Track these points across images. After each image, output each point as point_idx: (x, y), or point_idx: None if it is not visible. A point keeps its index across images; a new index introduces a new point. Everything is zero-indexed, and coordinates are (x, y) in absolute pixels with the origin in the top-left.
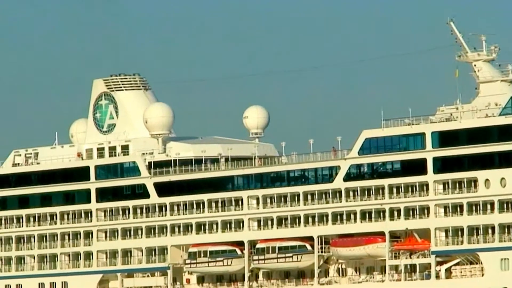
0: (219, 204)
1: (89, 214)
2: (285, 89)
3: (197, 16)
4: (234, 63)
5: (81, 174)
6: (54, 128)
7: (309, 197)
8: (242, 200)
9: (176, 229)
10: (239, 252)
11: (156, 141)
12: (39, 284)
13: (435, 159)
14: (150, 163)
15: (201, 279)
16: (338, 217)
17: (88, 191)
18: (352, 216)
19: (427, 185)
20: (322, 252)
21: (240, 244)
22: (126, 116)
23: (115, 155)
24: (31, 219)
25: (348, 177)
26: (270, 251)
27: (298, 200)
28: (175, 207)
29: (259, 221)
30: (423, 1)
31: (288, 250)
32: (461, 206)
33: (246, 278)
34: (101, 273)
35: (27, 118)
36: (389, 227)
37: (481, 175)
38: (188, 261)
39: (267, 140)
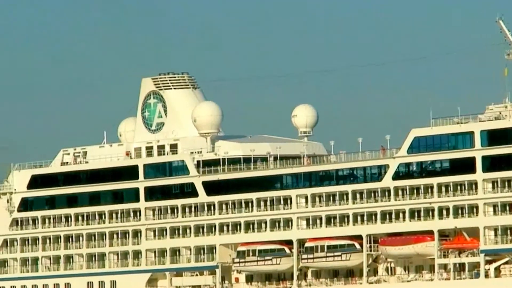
0: (268, 203)
1: (138, 213)
2: (334, 88)
3: (245, 15)
4: (283, 62)
5: (129, 173)
6: (102, 126)
7: (357, 195)
8: (291, 198)
9: (225, 228)
10: (287, 251)
11: (204, 140)
12: (88, 283)
13: (484, 158)
14: (198, 162)
15: (249, 278)
16: (387, 215)
17: (136, 190)
18: (401, 215)
19: (476, 183)
20: (371, 251)
21: (289, 243)
22: (174, 115)
23: (164, 154)
24: (80, 218)
25: (397, 176)
26: (319, 250)
27: (347, 198)
28: (224, 206)
29: (307, 220)
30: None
31: (337, 249)
32: (510, 205)
33: (295, 277)
34: (149, 272)
35: (76, 116)
36: (438, 226)
37: None
38: (236, 260)
39: (316, 138)
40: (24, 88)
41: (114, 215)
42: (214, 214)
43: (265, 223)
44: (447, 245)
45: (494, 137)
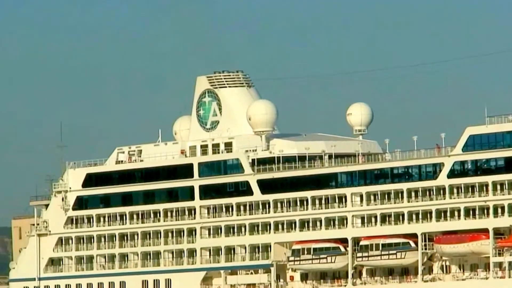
0: (323, 201)
1: (193, 211)
2: (389, 86)
3: (301, 14)
4: (339, 60)
5: (184, 171)
6: (157, 125)
7: (412, 194)
8: (345, 197)
9: (280, 226)
10: (342, 249)
11: (259, 138)
12: (143, 281)
13: None
14: (253, 160)
15: (304, 276)
16: (442, 214)
17: (191, 188)
18: (456, 213)
19: None
20: (426, 249)
21: (343, 241)
22: (229, 113)
23: (219, 152)
24: (135, 216)
25: (452, 174)
26: (374, 248)
27: (402, 197)
28: (279, 204)
29: (362, 218)
30: None
31: (391, 247)
32: None
33: (350, 275)
34: (204, 270)
35: (130, 115)
36: (493, 224)
37: None
38: (291, 258)
39: (371, 137)
40: (80, 87)
41: (169, 214)
42: (269, 213)
43: (320, 221)
44: (502, 243)
45: None
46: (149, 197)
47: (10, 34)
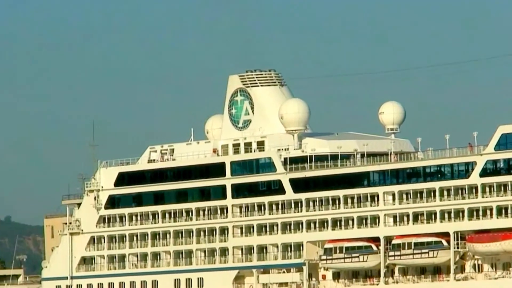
0: (355, 200)
1: (225, 210)
2: (421, 85)
3: (334, 14)
4: (370, 59)
5: (216, 170)
6: (189, 124)
7: (445, 192)
8: (378, 196)
9: (312, 225)
10: (374, 248)
11: (291, 137)
12: (175, 280)
13: None
14: (285, 159)
15: (336, 275)
16: (474, 212)
17: (223, 187)
18: (488, 212)
19: None
20: (458, 248)
21: (376, 240)
22: (261, 112)
23: (251, 151)
24: (167, 215)
25: (484, 173)
26: (406, 247)
27: (434, 195)
28: (311, 203)
29: (394, 217)
30: None
31: (424, 246)
32: None
33: (382, 274)
34: (236, 269)
35: (162, 114)
36: None
37: None
38: (323, 257)
39: (403, 135)
40: (113, 86)
41: (201, 212)
42: (301, 211)
43: (352, 220)
44: None
45: None
46: (181, 196)
47: (46, 35)
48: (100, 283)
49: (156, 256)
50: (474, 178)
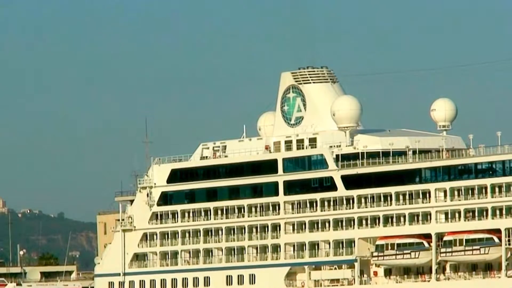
0: (407, 197)
1: (277, 207)
2: (473, 82)
3: (385, 11)
4: (422, 56)
5: (269, 167)
6: (242, 121)
7: (496, 189)
8: (429, 192)
9: (364, 221)
10: (426, 244)
11: (343, 133)
12: (227, 276)
13: None
14: (337, 155)
15: (388, 272)
16: None
17: (276, 184)
18: None
19: None
20: (509, 244)
21: (427, 236)
22: (313, 109)
23: (303, 148)
24: (219, 211)
25: None
26: (458, 244)
27: (486, 192)
28: (363, 200)
29: (446, 214)
30: None
31: (475, 242)
32: None
33: (433, 271)
34: (288, 265)
35: (215, 111)
36: None
37: None
38: (375, 253)
39: (455, 132)
40: (165, 83)
41: (253, 209)
42: (353, 208)
43: (404, 217)
44: None
45: None
46: (233, 192)
47: (96, 31)
48: (153, 280)
49: (208, 252)
50: None
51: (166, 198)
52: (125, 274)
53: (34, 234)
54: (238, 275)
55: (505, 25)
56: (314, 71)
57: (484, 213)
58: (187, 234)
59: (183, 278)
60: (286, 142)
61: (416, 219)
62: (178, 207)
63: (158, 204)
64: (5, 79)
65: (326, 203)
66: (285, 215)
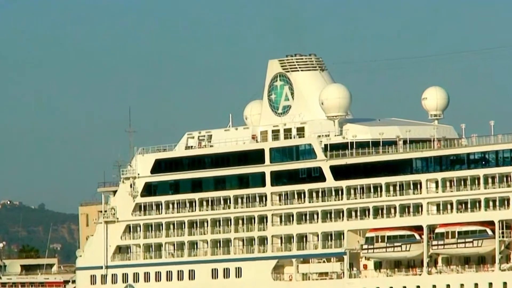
0: (397, 188)
1: (264, 198)
2: (465, 70)
3: None
4: (414, 43)
5: (255, 157)
6: (228, 110)
7: (490, 180)
8: (420, 183)
9: (353, 213)
10: (417, 237)
11: (332, 123)
12: (212, 269)
13: None
14: (326, 145)
15: (378, 265)
16: None
17: (262, 175)
18: None
19: None
20: (503, 237)
21: (418, 228)
22: (301, 97)
23: (291, 138)
24: (204, 203)
25: None
26: (450, 236)
27: (479, 183)
28: (352, 191)
29: (438, 205)
30: None
31: (468, 235)
32: None
33: (425, 264)
34: (276, 258)
35: (200, 100)
36: None
37: None
38: (365, 246)
39: (447, 121)
40: (149, 72)
41: (239, 200)
42: (342, 199)
43: (395, 208)
44: None
45: None
46: (219, 183)
47: (84, 25)
48: (136, 273)
49: (193, 245)
50: None
51: (150, 189)
52: (107, 267)
53: (14, 226)
54: (224, 268)
55: (499, 13)
56: (302, 59)
57: (477, 204)
58: (171, 226)
59: (167, 271)
60: (273, 131)
61: (407, 211)
62: (162, 198)
63: (142, 195)
64: None
65: (314, 194)
66: (272, 207)
